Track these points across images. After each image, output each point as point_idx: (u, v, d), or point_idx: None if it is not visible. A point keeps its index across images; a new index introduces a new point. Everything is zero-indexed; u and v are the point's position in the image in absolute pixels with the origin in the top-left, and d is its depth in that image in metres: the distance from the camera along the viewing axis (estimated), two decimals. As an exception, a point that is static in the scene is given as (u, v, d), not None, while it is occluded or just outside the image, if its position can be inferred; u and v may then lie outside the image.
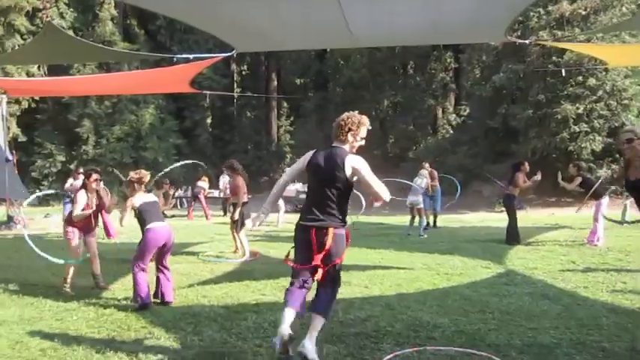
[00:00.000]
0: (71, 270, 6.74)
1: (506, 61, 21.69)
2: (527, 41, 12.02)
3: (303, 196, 19.36)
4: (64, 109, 28.64)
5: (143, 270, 5.90)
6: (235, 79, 34.96)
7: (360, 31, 7.22)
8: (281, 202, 14.76)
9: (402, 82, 29.53)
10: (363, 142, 4.33)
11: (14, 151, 16.08)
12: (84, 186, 6.84)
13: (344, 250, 4.19)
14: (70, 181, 13.33)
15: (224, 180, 17.15)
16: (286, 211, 15.81)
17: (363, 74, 28.18)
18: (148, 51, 27.69)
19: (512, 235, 10.50)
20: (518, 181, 10.49)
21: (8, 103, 16.05)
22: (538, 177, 10.48)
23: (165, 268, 6.16)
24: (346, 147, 4.23)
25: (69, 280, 6.72)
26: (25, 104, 27.13)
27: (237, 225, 9.32)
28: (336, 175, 4.05)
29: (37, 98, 27.27)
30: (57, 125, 29.09)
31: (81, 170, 13.50)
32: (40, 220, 16.59)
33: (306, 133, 31.18)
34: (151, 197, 6.29)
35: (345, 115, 4.32)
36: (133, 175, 6.20)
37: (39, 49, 8.99)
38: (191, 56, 9.72)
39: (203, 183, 17.85)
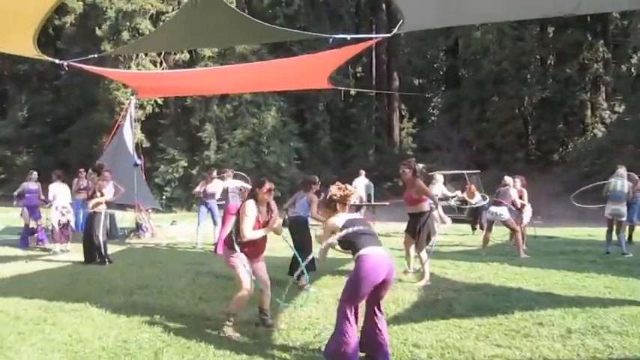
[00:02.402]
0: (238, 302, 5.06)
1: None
2: None
3: (445, 203, 17.10)
4: (187, 113, 28.29)
5: (354, 313, 4.09)
6: (350, 81, 33.22)
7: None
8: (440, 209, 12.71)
9: (548, 75, 26.17)
10: None
11: (142, 156, 15.32)
12: (253, 195, 5.14)
13: None
14: (202, 184, 12.07)
15: (361, 184, 15.39)
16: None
17: (503, 67, 25.23)
18: (267, 52, 26.73)
19: None
20: None
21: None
22: None
23: (380, 312, 4.25)
24: None
25: (232, 318, 5.01)
26: (149, 109, 26.97)
27: (417, 240, 7.43)
28: None
29: (160, 102, 27.07)
30: (179, 130, 28.77)
31: (214, 174, 12.13)
32: (167, 229, 15.57)
33: (433, 135, 28.67)
34: (355, 214, 4.52)
35: None
36: (335, 191, 4.38)
37: (181, 28, 7.61)
38: (348, 37, 8.18)
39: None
